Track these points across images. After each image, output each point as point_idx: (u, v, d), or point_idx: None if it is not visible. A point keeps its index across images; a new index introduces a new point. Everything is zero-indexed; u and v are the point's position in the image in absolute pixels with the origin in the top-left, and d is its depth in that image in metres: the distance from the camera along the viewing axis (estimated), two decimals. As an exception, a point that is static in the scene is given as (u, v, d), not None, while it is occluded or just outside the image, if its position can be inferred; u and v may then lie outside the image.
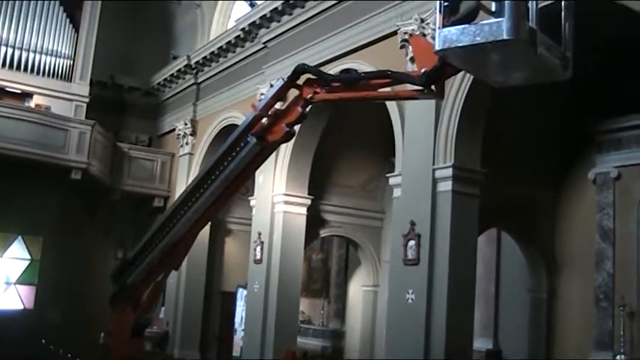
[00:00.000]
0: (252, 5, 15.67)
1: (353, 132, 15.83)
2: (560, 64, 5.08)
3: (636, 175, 12.21)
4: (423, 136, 10.74)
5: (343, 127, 15.22)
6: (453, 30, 4.71)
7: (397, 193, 11.19)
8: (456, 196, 10.24)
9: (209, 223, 15.52)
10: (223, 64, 17.94)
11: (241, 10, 17.52)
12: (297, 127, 7.72)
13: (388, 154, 13.45)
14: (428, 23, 10.74)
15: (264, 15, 15.04)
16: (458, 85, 10.32)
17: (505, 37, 4.46)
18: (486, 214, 11.08)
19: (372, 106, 12.17)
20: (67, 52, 19.28)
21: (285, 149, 14.30)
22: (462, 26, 4.68)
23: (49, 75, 18.95)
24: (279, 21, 14.91)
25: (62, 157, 17.70)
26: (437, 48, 4.81)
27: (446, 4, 4.85)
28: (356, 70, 6.62)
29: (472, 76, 10.07)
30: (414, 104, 11.04)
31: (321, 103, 12.69)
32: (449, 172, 10.27)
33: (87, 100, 19.29)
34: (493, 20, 4.59)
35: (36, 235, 19.10)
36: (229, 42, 17.13)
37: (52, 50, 19.03)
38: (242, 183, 7.40)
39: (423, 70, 5.52)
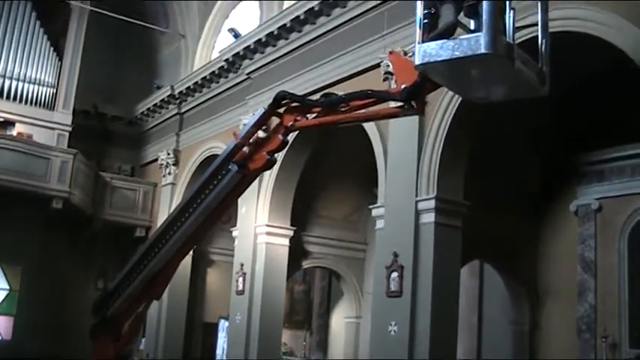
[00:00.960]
0: (236, 36, 15.69)
1: (336, 163, 15.85)
2: (537, 79, 5.21)
3: (617, 207, 12.31)
4: (406, 168, 10.78)
5: (326, 158, 15.26)
6: (433, 45, 4.82)
7: (380, 224, 11.21)
8: (438, 228, 10.28)
9: (191, 252, 15.48)
10: (206, 94, 17.98)
11: (225, 41, 17.57)
12: (280, 155, 7.72)
13: (371, 185, 13.47)
14: (411, 55, 10.80)
15: (248, 46, 15.11)
16: (440, 118, 10.39)
17: (483, 50, 4.59)
18: (469, 246, 11.11)
19: (355, 137, 12.21)
20: (50, 80, 19.25)
21: (268, 180, 14.31)
22: (441, 41, 4.80)
23: (31, 103, 18.90)
24: (262, 52, 14.98)
25: (43, 186, 17.55)
26: (417, 62, 4.91)
27: (425, 21, 4.97)
28: (336, 94, 6.65)
29: (454, 110, 10.19)
30: (397, 135, 11.11)
31: (305, 132, 12.81)
32: (431, 204, 10.31)
33: (69, 128, 19.24)
34: (471, 35, 4.73)
35: (15, 265, 18.85)
36: (213, 73, 17.19)
37: (36, 79, 19.00)
38: (223, 212, 7.35)
39: (403, 86, 5.60)
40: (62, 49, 19.65)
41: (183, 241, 7.22)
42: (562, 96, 12.01)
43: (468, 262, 14.06)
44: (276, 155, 6.75)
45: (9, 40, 18.73)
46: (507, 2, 4.93)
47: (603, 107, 12.16)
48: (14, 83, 18.65)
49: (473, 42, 4.66)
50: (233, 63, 16.05)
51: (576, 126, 12.76)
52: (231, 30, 15.97)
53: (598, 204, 12.52)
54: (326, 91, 12.79)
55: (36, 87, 18.98)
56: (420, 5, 5.05)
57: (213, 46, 19.68)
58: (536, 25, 5.42)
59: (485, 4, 4.69)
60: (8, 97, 18.50)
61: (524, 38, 5.97)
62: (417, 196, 10.49)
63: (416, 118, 10.63)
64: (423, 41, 4.91)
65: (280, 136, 6.54)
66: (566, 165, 12.94)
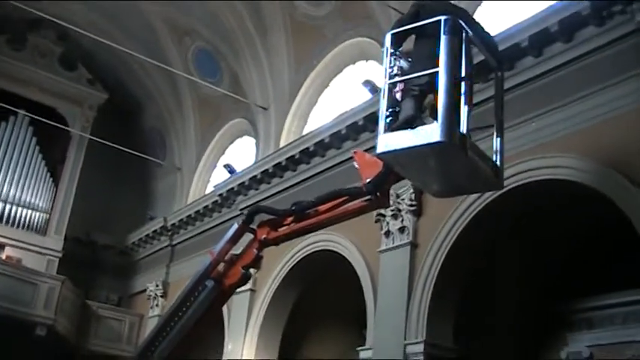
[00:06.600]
0: (231, 172, 15.92)
1: (325, 304, 15.68)
2: (492, 172, 5.56)
3: (609, 356, 12.15)
4: (395, 311, 10.76)
5: (315, 298, 15.11)
6: (393, 135, 5.26)
7: (368, 367, 11.06)
8: (427, 373, 10.15)
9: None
10: (199, 227, 18.06)
11: (220, 176, 17.82)
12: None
13: (360, 327, 13.35)
14: (403, 199, 11.00)
15: (243, 183, 15.33)
16: (431, 262, 10.48)
17: (438, 139, 5.03)
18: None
19: (344, 278, 12.23)
20: (44, 205, 19.43)
21: (256, 318, 14.17)
22: (401, 132, 5.24)
23: (23, 227, 19.01)
24: (257, 189, 15.17)
25: (28, 312, 17.35)
26: (378, 151, 5.32)
27: (390, 118, 5.40)
28: (305, 200, 6.88)
29: (444, 255, 10.29)
30: (387, 277, 11.15)
31: (294, 271, 12.81)
32: (420, 347, 10.24)
33: (60, 255, 19.26)
34: (428, 126, 5.18)
35: (-10, 396, 18.31)
36: (206, 207, 17.35)
37: (30, 203, 19.19)
38: (204, 330, 7.33)
39: (367, 180, 5.91)
40: (59, 175, 19.96)
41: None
42: (552, 244, 12.18)
43: (457, 409, 13.73)
44: (251, 270, 6.91)
45: (7, 163, 19.06)
46: (462, 99, 5.32)
47: (593, 255, 12.23)
48: (8, 207, 18.81)
49: (429, 131, 5.14)
50: (227, 198, 16.22)
51: (566, 273, 12.80)
52: (227, 165, 16.22)
53: (589, 352, 12.34)
54: (319, 231, 13.00)
55: (29, 211, 19.16)
56: (383, 101, 5.50)
57: (208, 180, 19.96)
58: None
59: (441, 100, 5.16)
60: (0, 220, 18.61)
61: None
62: (405, 339, 10.41)
63: (407, 261, 10.74)
64: (385, 132, 5.35)
65: (255, 250, 6.76)
66: (556, 312, 12.87)
